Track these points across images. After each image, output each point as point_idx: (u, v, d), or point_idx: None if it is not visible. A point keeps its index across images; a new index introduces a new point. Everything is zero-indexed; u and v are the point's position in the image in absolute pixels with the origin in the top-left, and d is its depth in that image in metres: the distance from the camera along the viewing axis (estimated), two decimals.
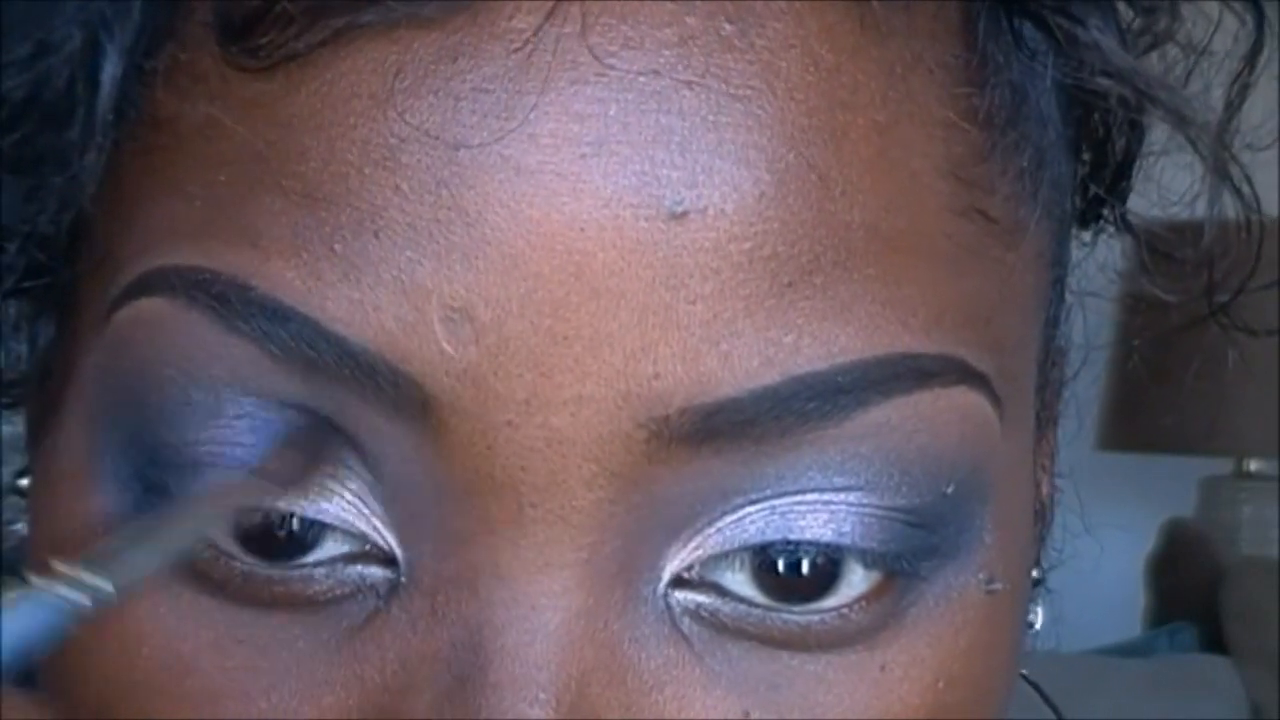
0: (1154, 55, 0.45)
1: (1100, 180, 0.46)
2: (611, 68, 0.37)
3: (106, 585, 0.36)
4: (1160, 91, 0.42)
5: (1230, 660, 1.98)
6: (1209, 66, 0.46)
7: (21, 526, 0.45)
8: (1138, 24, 0.44)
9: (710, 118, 0.37)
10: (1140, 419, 2.16)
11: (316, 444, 0.38)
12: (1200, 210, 0.46)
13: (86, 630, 0.40)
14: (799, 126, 0.38)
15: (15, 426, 0.47)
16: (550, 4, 0.37)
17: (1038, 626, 0.48)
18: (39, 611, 0.35)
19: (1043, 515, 0.49)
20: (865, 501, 0.39)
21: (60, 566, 0.35)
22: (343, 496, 0.39)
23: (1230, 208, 0.46)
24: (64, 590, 0.35)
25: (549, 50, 0.37)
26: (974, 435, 0.40)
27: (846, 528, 0.39)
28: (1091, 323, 0.50)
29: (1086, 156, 0.46)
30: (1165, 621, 2.14)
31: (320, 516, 0.39)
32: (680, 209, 0.37)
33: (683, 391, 0.37)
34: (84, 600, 0.35)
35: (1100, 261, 0.50)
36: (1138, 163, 0.46)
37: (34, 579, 0.35)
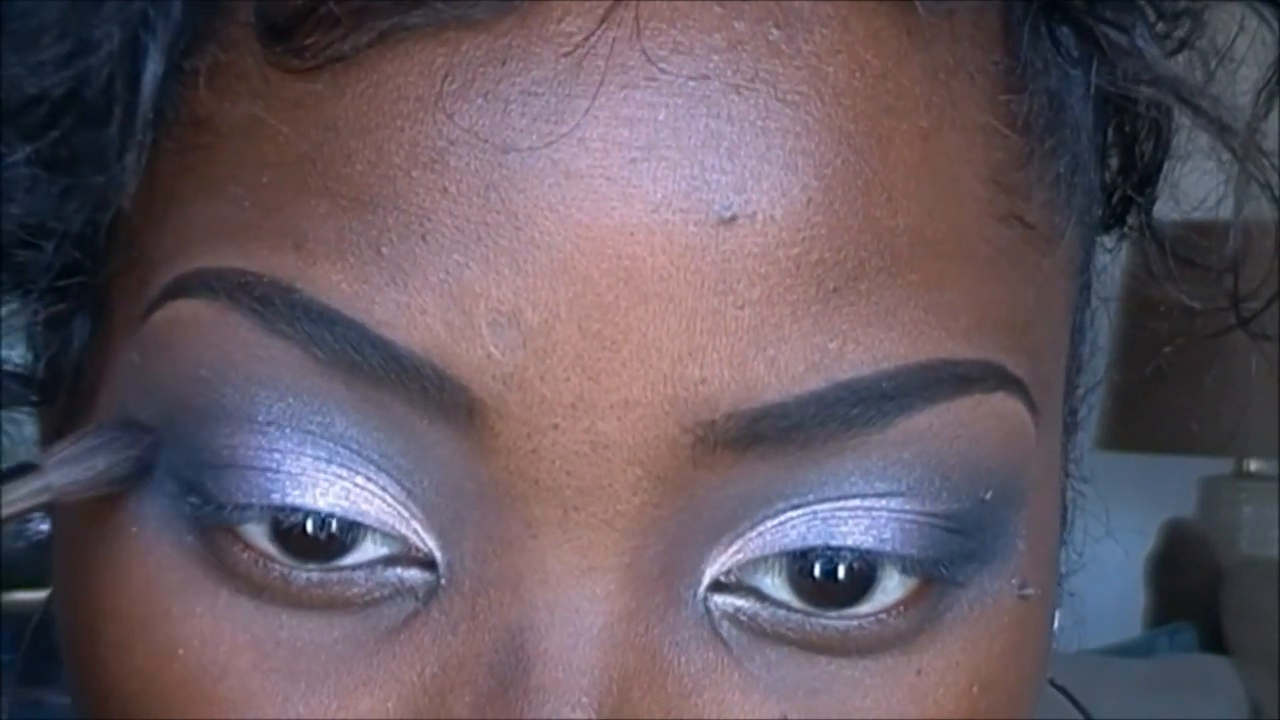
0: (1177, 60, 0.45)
1: (1127, 185, 0.46)
2: (662, 72, 0.37)
3: None
4: (1202, 100, 0.42)
5: (1230, 660, 1.98)
6: (1228, 71, 0.45)
7: (34, 526, 0.44)
8: (1160, 28, 0.44)
9: (759, 123, 0.37)
10: (1140, 419, 2.16)
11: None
12: (1218, 213, 0.46)
13: (121, 634, 0.40)
14: (846, 132, 0.38)
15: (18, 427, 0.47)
16: (604, 8, 0.37)
17: (1055, 628, 0.48)
18: None
19: (1064, 518, 0.49)
20: (905, 508, 0.39)
21: None
22: (383, 499, 0.38)
23: (1251, 212, 0.46)
24: None
25: (601, 54, 0.37)
26: (1012, 442, 0.40)
27: (886, 534, 0.39)
28: (1095, 324, 0.50)
29: (1113, 163, 0.46)
30: (1165, 621, 2.14)
31: (360, 519, 0.38)
32: (729, 214, 0.37)
33: (729, 396, 0.37)
34: None
35: (1105, 263, 0.50)
36: (1165, 167, 0.46)
37: None
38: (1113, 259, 0.49)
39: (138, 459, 0.39)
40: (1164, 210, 0.48)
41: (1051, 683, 0.49)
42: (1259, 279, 0.49)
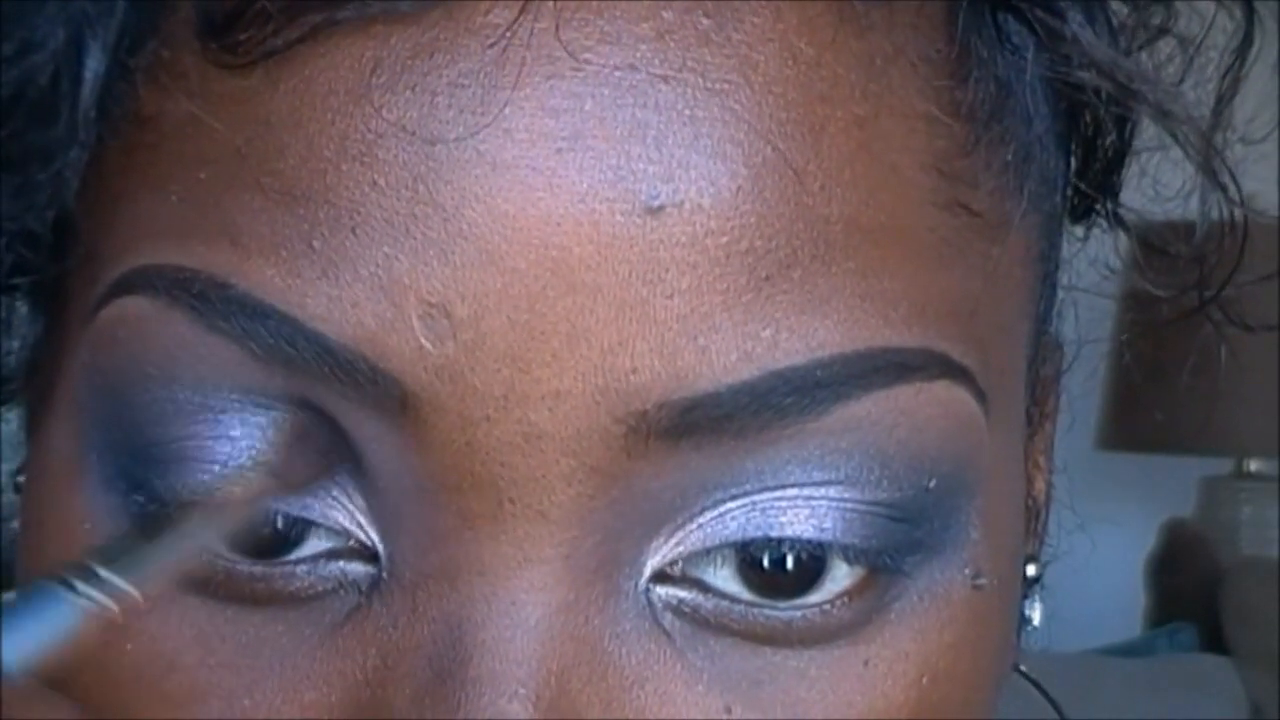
0: (1148, 51, 0.45)
1: (1091, 175, 0.46)
2: (587, 62, 0.37)
3: (128, 587, 0.36)
4: (1143, 86, 0.42)
5: (1230, 660, 1.98)
6: (1206, 62, 0.45)
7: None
8: (1131, 20, 0.44)
9: (686, 112, 0.37)
10: (1140, 419, 2.16)
11: (319, 442, 0.38)
12: (1194, 205, 0.45)
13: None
14: (776, 120, 0.38)
15: (14, 425, 0.47)
16: None
17: (1036, 622, 0.48)
18: (57, 609, 0.35)
19: (1037, 512, 0.48)
20: (846, 496, 0.39)
21: (87, 564, 0.35)
22: (327, 492, 0.39)
23: (1225, 203, 0.46)
24: (85, 589, 0.35)
25: (524, 45, 0.37)
26: (957, 430, 0.40)
27: (828, 524, 0.39)
28: (1091, 321, 0.50)
29: (1077, 151, 0.46)
30: (1165, 621, 2.14)
31: (305, 513, 0.39)
32: (656, 203, 0.37)
33: (660, 386, 0.37)
34: (106, 601, 0.35)
35: (1092, 257, 0.50)
36: (1129, 158, 0.46)
37: (54, 576, 0.35)
38: (1085, 251, 0.49)
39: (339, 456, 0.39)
40: (1141, 201, 0.48)
41: (1024, 674, 0.49)
42: (1252, 270, 0.48)
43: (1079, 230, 0.49)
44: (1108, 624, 1.96)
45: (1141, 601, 2.25)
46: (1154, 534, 2.24)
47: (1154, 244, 0.47)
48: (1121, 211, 0.48)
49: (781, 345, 0.38)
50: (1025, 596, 0.47)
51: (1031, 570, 0.47)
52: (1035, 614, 0.48)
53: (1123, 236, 0.49)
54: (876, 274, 0.38)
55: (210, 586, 0.39)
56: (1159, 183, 0.47)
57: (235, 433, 0.38)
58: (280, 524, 0.39)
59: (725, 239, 0.37)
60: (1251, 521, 2.33)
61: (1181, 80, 0.45)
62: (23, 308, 0.45)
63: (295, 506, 0.39)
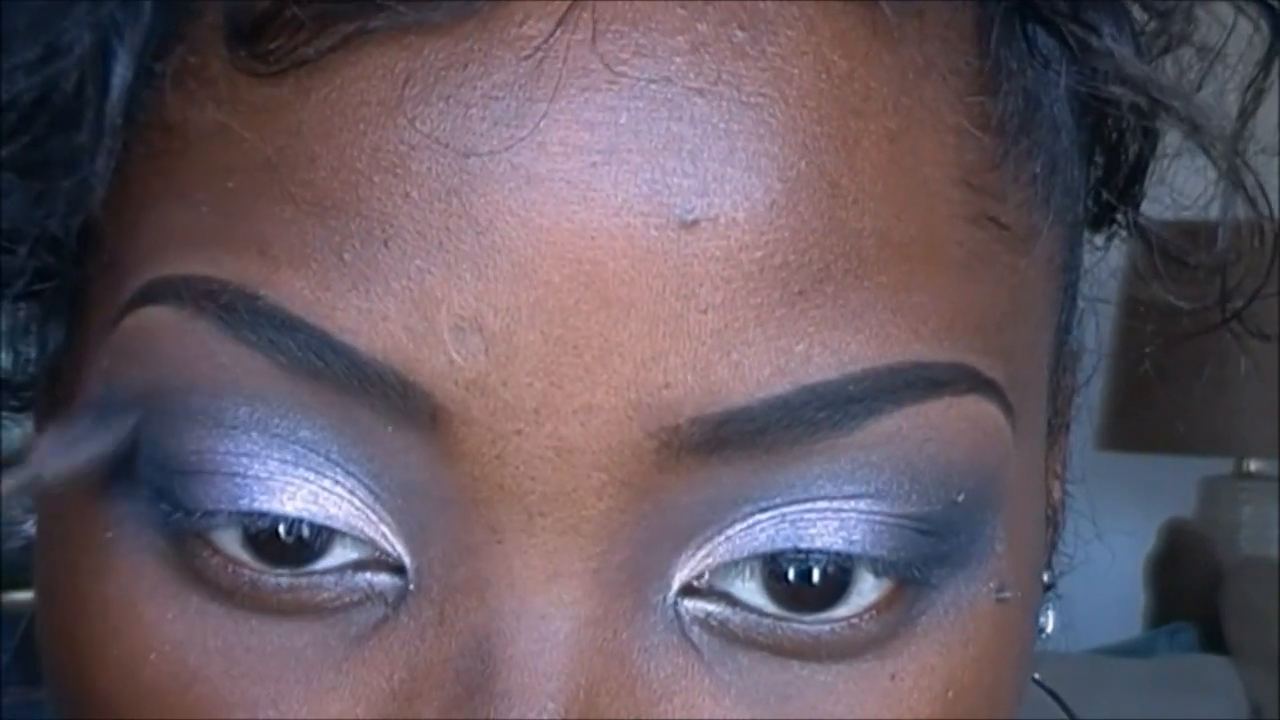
0: (1168, 59, 0.45)
1: (1113, 185, 0.46)
2: (622, 75, 0.37)
3: None
4: (1174, 100, 0.42)
5: (1230, 660, 1.98)
6: (1223, 70, 0.45)
7: (28, 527, 0.45)
8: (1152, 27, 0.44)
9: (721, 126, 0.37)
10: (1140, 419, 2.16)
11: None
12: (1211, 213, 0.45)
13: (95, 638, 0.40)
14: (810, 134, 0.37)
15: (13, 430, 0.47)
16: (561, 11, 0.37)
17: (1049, 631, 0.48)
18: None
19: (1053, 520, 0.48)
20: (875, 509, 0.39)
21: None
22: (351, 503, 0.38)
23: (1241, 212, 0.46)
24: None
25: (559, 57, 0.37)
26: (985, 444, 0.40)
27: (857, 536, 0.39)
28: (1092, 324, 0.50)
29: (1099, 161, 0.46)
30: (1165, 621, 2.14)
31: (329, 523, 0.38)
32: (691, 217, 0.37)
33: (693, 401, 0.37)
34: None
35: (1101, 263, 0.50)
36: (1151, 167, 0.46)
37: None
38: (1112, 258, 0.49)
39: (118, 446, 0.38)
40: (1157, 209, 0.48)
41: (1039, 684, 0.49)
42: (1257, 278, 0.48)
43: (1099, 240, 0.49)
44: (1108, 624, 1.96)
45: (1141, 601, 2.26)
46: (1154, 534, 2.24)
47: (1170, 252, 0.47)
48: (1140, 220, 0.48)
49: (814, 360, 0.37)
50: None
51: (1045, 578, 0.47)
52: (1049, 622, 0.48)
53: (1128, 241, 0.49)
54: (907, 288, 0.38)
55: (235, 596, 0.39)
56: (1175, 189, 0.47)
57: (255, 446, 0.38)
58: (305, 533, 0.39)
59: (759, 253, 0.37)
60: (1251, 521, 2.33)
61: (1200, 87, 0.45)
62: (45, 314, 0.45)
63: (320, 516, 0.38)
